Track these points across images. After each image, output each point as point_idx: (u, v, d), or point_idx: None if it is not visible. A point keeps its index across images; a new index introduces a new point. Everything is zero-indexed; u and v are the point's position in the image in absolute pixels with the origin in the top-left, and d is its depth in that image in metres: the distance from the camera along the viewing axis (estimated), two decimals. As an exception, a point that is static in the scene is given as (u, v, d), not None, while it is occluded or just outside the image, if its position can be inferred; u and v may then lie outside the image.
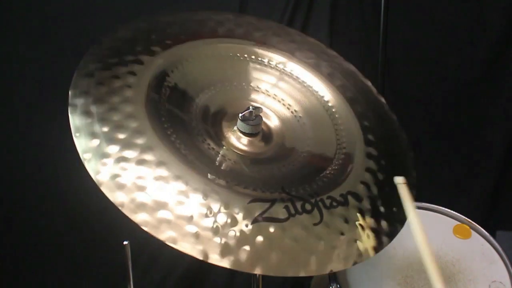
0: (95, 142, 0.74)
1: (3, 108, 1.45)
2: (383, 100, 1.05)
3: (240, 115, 0.89)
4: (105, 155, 0.73)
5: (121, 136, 0.76)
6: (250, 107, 0.89)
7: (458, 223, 1.18)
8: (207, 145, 0.85)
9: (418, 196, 0.86)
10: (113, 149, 0.74)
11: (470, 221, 1.18)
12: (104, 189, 0.71)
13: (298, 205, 0.77)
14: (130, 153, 0.74)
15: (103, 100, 0.79)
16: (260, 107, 0.90)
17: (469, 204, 1.67)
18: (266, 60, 0.99)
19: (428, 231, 1.16)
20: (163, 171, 0.74)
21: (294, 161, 0.90)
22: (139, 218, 0.70)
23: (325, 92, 0.98)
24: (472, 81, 1.62)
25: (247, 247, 0.71)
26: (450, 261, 1.12)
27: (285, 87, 0.99)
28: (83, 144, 0.74)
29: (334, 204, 0.79)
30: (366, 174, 0.86)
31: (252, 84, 0.97)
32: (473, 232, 1.17)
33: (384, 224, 0.82)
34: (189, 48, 0.93)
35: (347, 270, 1.10)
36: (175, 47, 0.91)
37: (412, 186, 0.86)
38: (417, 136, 0.98)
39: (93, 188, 0.72)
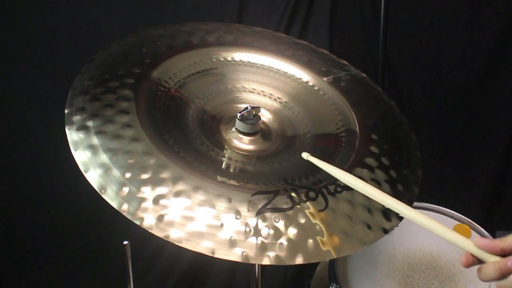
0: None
1: (3, 109, 1.45)
2: (378, 88, 1.05)
3: (239, 114, 0.89)
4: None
5: (131, 161, 0.75)
6: (248, 106, 0.89)
7: (458, 223, 1.18)
8: (213, 152, 0.86)
9: (418, 195, 0.86)
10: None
11: (470, 221, 1.18)
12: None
13: (302, 194, 0.77)
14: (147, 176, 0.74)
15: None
16: (258, 107, 0.91)
17: (469, 204, 1.67)
18: (246, 60, 1.00)
19: (428, 231, 1.17)
20: (181, 186, 0.73)
21: (301, 149, 0.90)
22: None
23: (304, 75, 1.00)
24: (471, 80, 1.62)
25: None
26: (450, 261, 1.12)
27: (268, 81, 1.00)
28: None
29: (338, 189, 0.79)
30: (369, 158, 0.87)
31: (237, 85, 0.99)
32: (473, 232, 1.17)
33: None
34: (179, 58, 0.94)
35: (347, 270, 1.10)
36: (167, 59, 0.93)
37: (418, 166, 0.89)
38: (417, 135, 0.98)
39: (93, 188, 0.72)
